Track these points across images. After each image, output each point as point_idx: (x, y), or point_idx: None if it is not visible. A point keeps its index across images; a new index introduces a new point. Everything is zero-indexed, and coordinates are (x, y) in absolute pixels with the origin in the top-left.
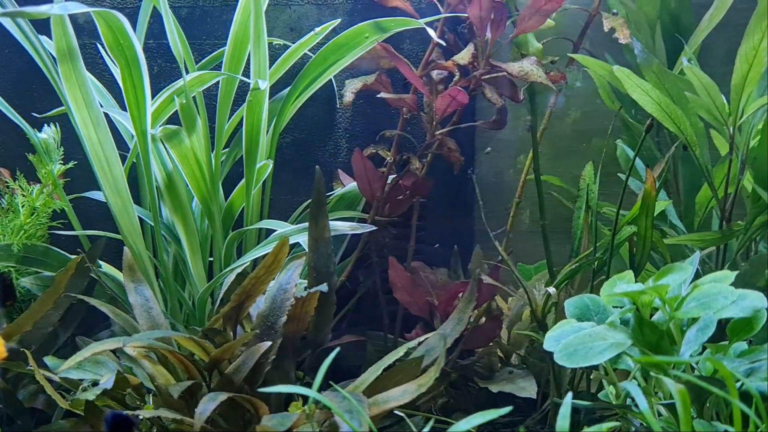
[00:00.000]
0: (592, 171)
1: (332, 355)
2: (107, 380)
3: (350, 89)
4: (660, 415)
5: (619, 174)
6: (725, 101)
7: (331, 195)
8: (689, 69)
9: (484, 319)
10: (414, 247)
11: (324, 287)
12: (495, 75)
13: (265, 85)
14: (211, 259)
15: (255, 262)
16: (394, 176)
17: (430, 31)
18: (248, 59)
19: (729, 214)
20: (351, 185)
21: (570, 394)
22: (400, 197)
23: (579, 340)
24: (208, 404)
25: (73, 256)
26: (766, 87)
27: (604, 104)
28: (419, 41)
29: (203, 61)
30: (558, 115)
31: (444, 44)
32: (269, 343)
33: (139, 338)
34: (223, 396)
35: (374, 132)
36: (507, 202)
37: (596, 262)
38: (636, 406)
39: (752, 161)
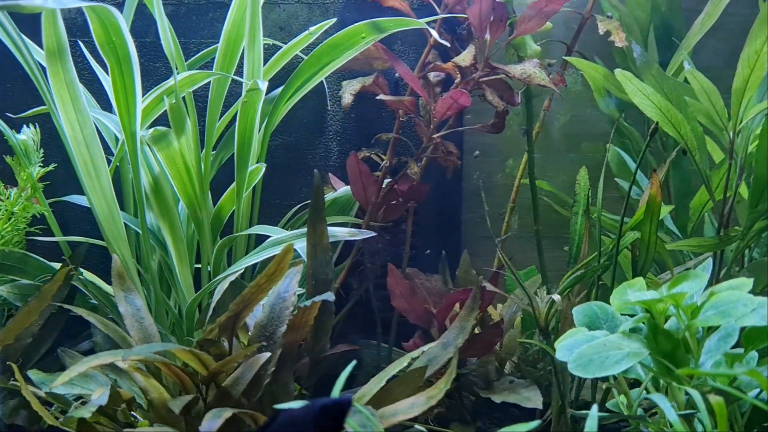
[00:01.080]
0: (587, 176)
1: (349, 367)
2: (101, 396)
3: (349, 91)
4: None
5: (616, 179)
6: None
7: None
8: (690, 73)
9: (477, 328)
10: (409, 253)
11: (330, 296)
12: (493, 77)
13: (264, 85)
14: (197, 266)
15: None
16: (389, 180)
17: (433, 32)
18: (238, 59)
19: (727, 220)
20: (342, 189)
21: (595, 407)
22: (394, 202)
23: (593, 349)
24: (213, 421)
25: (53, 264)
26: (766, 91)
27: (593, 109)
28: (410, 43)
29: (190, 60)
30: (546, 120)
31: (448, 45)
32: (268, 354)
33: (140, 351)
34: (228, 413)
35: (365, 134)
36: (495, 206)
37: (600, 269)
38: (646, 415)
39: (750, 166)
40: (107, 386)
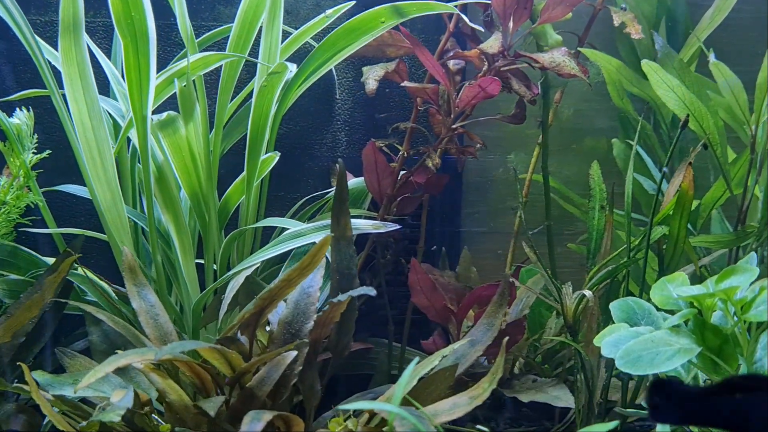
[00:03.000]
0: (599, 170)
1: (411, 365)
2: (125, 397)
3: (372, 77)
4: None
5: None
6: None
7: (330, 192)
8: (716, 65)
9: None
10: (423, 248)
11: (372, 291)
12: (512, 67)
13: (294, 67)
14: (199, 260)
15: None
16: (404, 172)
17: (464, 18)
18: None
19: (745, 216)
20: (352, 181)
21: None
22: (408, 194)
23: (641, 345)
24: (253, 424)
25: (45, 258)
26: None
27: (596, 103)
28: (419, 30)
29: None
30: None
31: (483, 29)
32: (294, 352)
33: (170, 350)
34: (267, 415)
35: (374, 124)
36: (495, 202)
37: (631, 263)
38: None
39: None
40: (122, 387)
